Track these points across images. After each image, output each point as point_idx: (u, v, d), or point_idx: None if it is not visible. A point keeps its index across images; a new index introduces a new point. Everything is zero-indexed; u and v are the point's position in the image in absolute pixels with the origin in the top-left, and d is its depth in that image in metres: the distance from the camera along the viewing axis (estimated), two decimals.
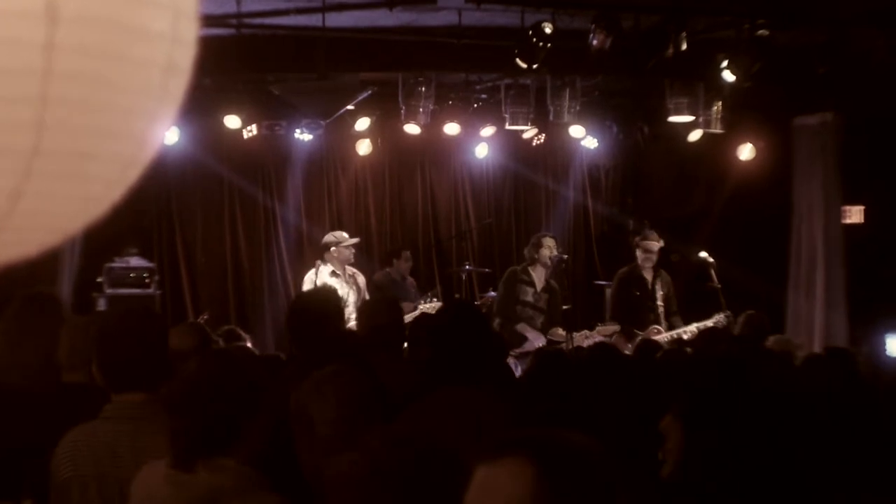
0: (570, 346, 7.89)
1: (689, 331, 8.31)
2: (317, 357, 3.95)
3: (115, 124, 1.10)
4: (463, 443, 2.03)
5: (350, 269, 8.80)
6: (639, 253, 8.77)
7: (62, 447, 2.93)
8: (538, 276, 8.72)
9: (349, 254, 8.80)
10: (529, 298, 8.68)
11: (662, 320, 8.53)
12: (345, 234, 8.94)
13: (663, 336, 8.28)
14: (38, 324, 3.59)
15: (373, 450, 1.95)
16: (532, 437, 1.48)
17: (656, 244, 8.73)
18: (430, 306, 8.56)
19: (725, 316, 8.23)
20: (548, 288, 8.71)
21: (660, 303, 8.57)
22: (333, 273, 8.62)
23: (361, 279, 8.83)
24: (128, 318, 3.12)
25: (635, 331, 8.37)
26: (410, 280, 9.96)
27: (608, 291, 9.50)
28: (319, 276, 8.62)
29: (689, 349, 6.73)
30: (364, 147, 10.76)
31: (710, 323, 8.28)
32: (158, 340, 3.08)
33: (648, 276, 8.69)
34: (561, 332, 8.49)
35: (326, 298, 5.08)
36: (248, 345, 6.86)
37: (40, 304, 3.72)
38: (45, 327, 3.56)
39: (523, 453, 1.43)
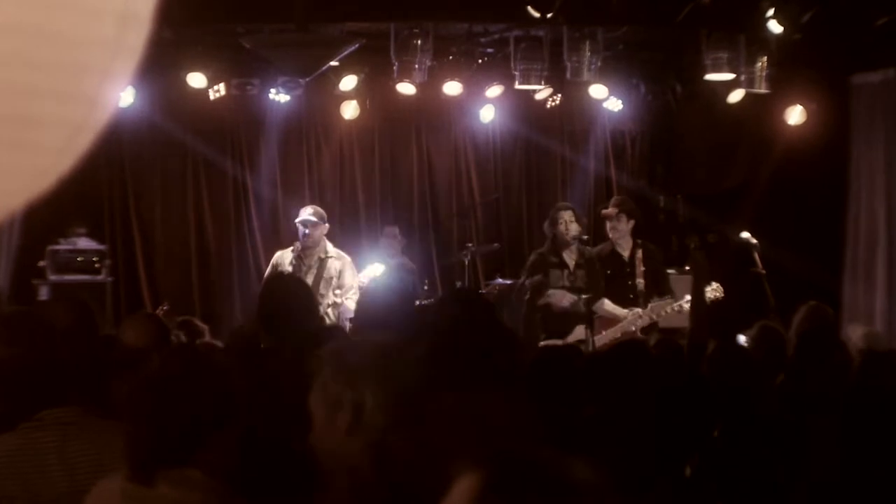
0: (592, 345, 7.86)
1: (676, 306, 8.07)
2: (293, 350, 3.96)
3: (61, 83, 1.09)
4: (467, 453, 2.03)
5: (327, 252, 8.51)
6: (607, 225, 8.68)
7: None
8: (569, 254, 8.62)
9: (302, 231, 8.48)
10: (565, 282, 8.57)
11: (642, 300, 8.28)
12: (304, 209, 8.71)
13: (644, 318, 8.09)
14: None
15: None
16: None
17: (611, 209, 8.58)
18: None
19: (713, 289, 8.04)
20: (582, 262, 8.46)
21: (640, 279, 8.39)
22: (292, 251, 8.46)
23: (338, 264, 8.52)
24: (28, 319, 2.97)
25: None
26: (404, 262, 9.92)
27: None
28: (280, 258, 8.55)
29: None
30: (350, 110, 10.74)
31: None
32: (81, 343, 2.95)
33: (625, 251, 8.56)
34: (608, 307, 8.35)
35: (298, 285, 5.07)
36: (207, 338, 6.88)
37: None
38: None
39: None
